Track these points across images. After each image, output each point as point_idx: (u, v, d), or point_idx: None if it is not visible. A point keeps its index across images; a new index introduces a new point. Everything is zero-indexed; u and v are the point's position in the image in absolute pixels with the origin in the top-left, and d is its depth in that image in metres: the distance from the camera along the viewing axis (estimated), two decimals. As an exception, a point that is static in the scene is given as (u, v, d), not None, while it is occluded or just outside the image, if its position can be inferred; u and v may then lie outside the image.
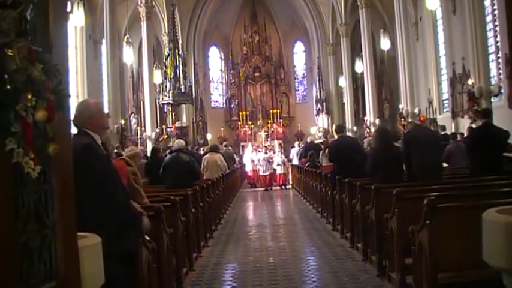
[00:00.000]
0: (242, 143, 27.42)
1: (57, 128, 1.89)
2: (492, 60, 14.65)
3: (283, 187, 18.85)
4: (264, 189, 18.30)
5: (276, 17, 30.68)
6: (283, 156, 20.05)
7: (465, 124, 13.85)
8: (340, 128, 8.77)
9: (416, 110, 18.74)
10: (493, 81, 14.46)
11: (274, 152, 20.56)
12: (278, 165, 19.02)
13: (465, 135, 10.50)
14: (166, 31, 22.83)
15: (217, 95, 31.29)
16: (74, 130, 3.15)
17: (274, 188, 18.62)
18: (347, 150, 7.76)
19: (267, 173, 18.76)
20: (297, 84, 32.05)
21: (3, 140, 1.64)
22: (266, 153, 19.70)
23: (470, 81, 14.69)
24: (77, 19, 14.19)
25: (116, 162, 4.84)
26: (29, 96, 1.70)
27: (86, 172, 3.08)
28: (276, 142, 27.09)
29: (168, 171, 7.71)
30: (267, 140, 26.94)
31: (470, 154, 6.76)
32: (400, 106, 20.03)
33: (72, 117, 3.21)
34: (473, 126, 10.91)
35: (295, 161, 18.54)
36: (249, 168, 20.98)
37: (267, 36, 30.13)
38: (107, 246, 2.69)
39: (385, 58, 23.97)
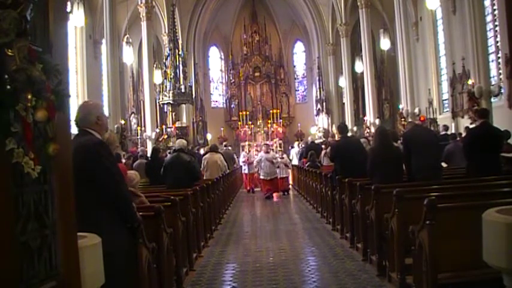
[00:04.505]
0: (242, 143, 27.39)
1: (57, 128, 1.89)
2: (492, 60, 14.65)
3: (285, 193, 16.22)
4: (265, 197, 15.14)
5: (276, 17, 30.68)
6: (285, 156, 17.58)
7: (465, 124, 13.85)
8: (342, 128, 8.75)
9: (416, 110, 18.74)
10: (493, 81, 14.46)
11: (276, 152, 18.27)
12: (278, 167, 15.99)
13: (463, 135, 10.51)
14: (166, 31, 22.83)
15: (217, 95, 31.29)
16: (74, 131, 3.16)
17: (276, 195, 15.59)
18: (348, 150, 7.76)
19: (270, 177, 15.43)
20: (297, 84, 32.04)
21: (3, 140, 1.64)
22: (268, 152, 16.11)
23: (470, 81, 14.69)
24: (77, 19, 14.18)
25: None
26: (29, 96, 1.70)
27: (100, 168, 3.09)
28: (280, 141, 26.94)
29: (169, 170, 7.71)
30: (268, 139, 26.55)
31: (468, 154, 6.74)
32: (400, 106, 20.03)
33: (78, 118, 3.24)
34: (470, 126, 10.92)
35: (295, 161, 18.41)
36: (244, 171, 18.43)
37: (267, 36, 30.13)
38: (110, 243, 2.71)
39: (385, 58, 23.96)
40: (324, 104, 27.07)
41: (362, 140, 10.22)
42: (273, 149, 20.26)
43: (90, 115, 3.26)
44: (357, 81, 25.00)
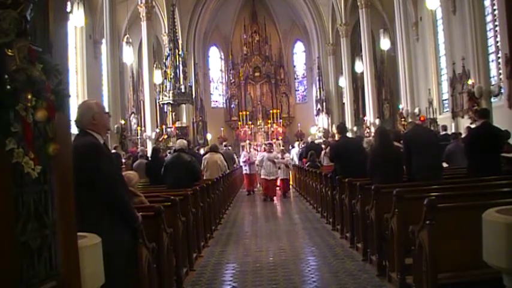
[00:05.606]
0: (242, 143, 27.40)
1: (57, 128, 1.89)
2: (492, 60, 14.65)
3: (285, 196, 15.62)
4: (263, 198, 14.70)
5: (276, 17, 30.70)
6: (286, 156, 16.67)
7: (465, 124, 13.85)
8: (342, 128, 8.75)
9: (416, 110, 18.76)
10: (493, 81, 14.47)
11: (278, 152, 16.86)
12: (279, 168, 15.24)
13: (463, 135, 10.51)
14: (166, 31, 22.85)
15: (217, 95, 31.31)
16: (74, 131, 3.15)
17: (276, 197, 14.95)
18: (348, 150, 7.76)
19: (271, 178, 14.80)
20: (297, 84, 32.07)
21: (3, 140, 1.64)
22: (270, 151, 15.39)
23: (470, 81, 14.70)
24: (77, 19, 14.19)
25: None
26: (29, 96, 1.70)
27: (94, 169, 3.09)
28: (280, 141, 26.88)
29: (169, 170, 7.70)
30: (268, 139, 26.44)
31: (469, 154, 6.74)
32: (400, 106, 20.04)
33: (76, 118, 3.24)
34: (472, 126, 10.91)
35: (295, 161, 18.36)
36: (245, 171, 17.46)
37: (267, 36, 30.16)
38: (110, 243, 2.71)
39: (385, 58, 23.98)
40: (324, 104, 27.10)
41: (366, 140, 10.22)
42: (274, 149, 19.58)
43: (85, 115, 3.25)
44: (357, 81, 25.01)
